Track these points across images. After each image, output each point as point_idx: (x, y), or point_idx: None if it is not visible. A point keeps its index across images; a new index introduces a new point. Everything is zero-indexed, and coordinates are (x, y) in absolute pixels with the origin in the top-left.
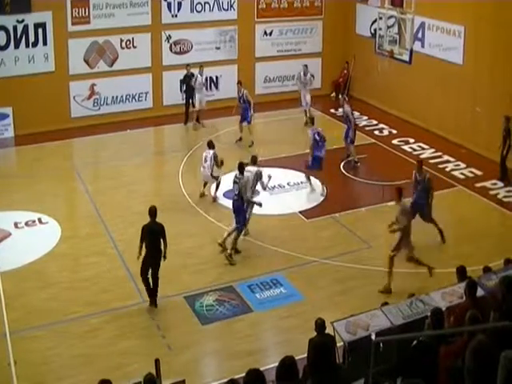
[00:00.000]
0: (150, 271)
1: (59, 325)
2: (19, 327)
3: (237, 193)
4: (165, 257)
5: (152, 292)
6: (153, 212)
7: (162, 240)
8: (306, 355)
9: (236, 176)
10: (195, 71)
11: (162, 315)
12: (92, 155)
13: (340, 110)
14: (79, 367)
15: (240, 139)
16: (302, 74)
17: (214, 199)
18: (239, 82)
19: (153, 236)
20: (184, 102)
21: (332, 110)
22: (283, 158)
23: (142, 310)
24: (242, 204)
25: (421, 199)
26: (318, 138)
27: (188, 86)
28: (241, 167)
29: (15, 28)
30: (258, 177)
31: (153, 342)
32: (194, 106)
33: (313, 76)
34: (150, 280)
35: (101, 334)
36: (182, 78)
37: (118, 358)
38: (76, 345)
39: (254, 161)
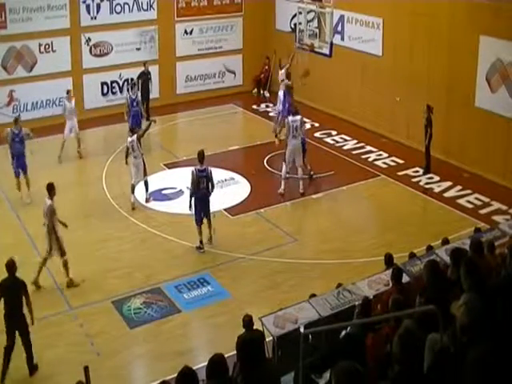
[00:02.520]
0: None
1: None
2: None
3: (205, 185)
4: (32, 321)
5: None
6: (10, 266)
7: (24, 299)
8: (235, 352)
9: (198, 169)
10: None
11: (90, 322)
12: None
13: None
14: (8, 380)
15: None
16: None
17: (147, 200)
18: None
19: (12, 295)
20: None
21: (254, 107)
22: (207, 156)
23: (69, 318)
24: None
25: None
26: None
27: (144, 83)
28: (201, 156)
29: None
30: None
31: (81, 350)
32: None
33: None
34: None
35: None
36: (137, 74)
37: (46, 368)
38: (1, 358)
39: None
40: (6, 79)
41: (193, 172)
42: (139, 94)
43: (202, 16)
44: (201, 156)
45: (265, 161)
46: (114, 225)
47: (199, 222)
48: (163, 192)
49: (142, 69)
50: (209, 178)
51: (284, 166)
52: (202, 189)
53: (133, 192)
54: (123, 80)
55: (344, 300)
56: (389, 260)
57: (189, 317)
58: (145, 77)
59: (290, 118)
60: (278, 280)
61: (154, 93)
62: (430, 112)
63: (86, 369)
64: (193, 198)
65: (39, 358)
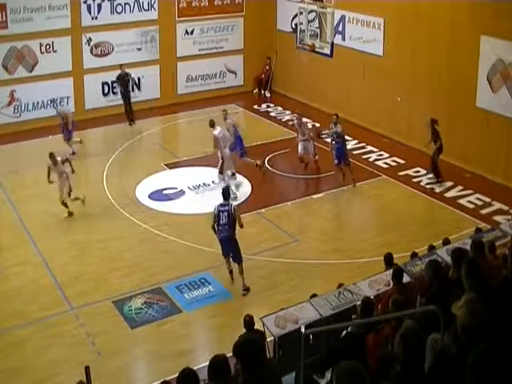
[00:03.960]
0: None
1: None
2: None
3: (226, 221)
4: None
5: None
6: None
7: None
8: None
9: (220, 204)
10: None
11: (91, 322)
12: (13, 163)
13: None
14: (7, 381)
15: None
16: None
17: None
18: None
19: None
20: (122, 102)
21: (255, 107)
22: (207, 157)
23: (70, 318)
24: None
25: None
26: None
27: (123, 85)
28: (226, 193)
29: None
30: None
31: (82, 350)
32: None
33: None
34: None
35: (28, 345)
36: (115, 78)
37: (47, 368)
38: (3, 358)
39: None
40: (7, 79)
41: (214, 207)
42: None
43: (203, 16)
44: (225, 193)
45: (265, 161)
46: (114, 225)
47: (226, 257)
48: (164, 192)
49: (119, 71)
50: (230, 214)
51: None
52: (223, 225)
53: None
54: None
55: (345, 300)
56: (389, 260)
57: (190, 317)
58: (122, 79)
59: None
60: (278, 280)
61: (155, 93)
62: (435, 124)
63: (87, 369)
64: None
65: (40, 358)
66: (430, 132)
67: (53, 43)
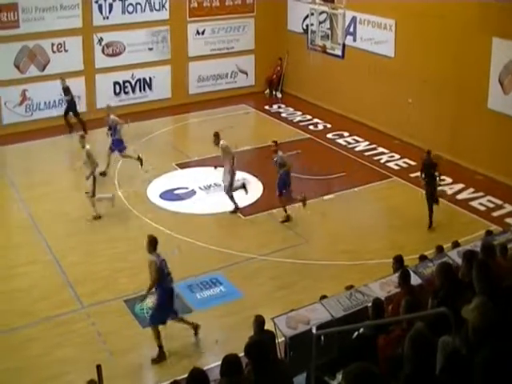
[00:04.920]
0: None
1: None
2: None
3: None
4: None
5: None
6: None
7: None
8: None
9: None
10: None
11: (102, 320)
12: (25, 162)
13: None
14: (16, 380)
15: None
16: None
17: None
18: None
19: None
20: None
21: (266, 107)
22: (218, 157)
23: (81, 317)
24: None
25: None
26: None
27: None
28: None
29: None
30: None
31: (93, 349)
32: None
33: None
34: None
35: (38, 343)
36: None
37: (57, 366)
38: (12, 357)
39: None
40: (19, 78)
41: (155, 261)
42: None
43: (214, 16)
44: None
45: None
46: (125, 224)
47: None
48: (175, 192)
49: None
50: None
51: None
52: (169, 274)
53: None
54: (135, 80)
55: (356, 301)
56: (399, 261)
57: (201, 316)
58: (67, 92)
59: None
60: (289, 281)
61: (167, 93)
62: (431, 157)
63: (99, 367)
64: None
65: (50, 356)
66: (425, 164)
67: (64, 43)
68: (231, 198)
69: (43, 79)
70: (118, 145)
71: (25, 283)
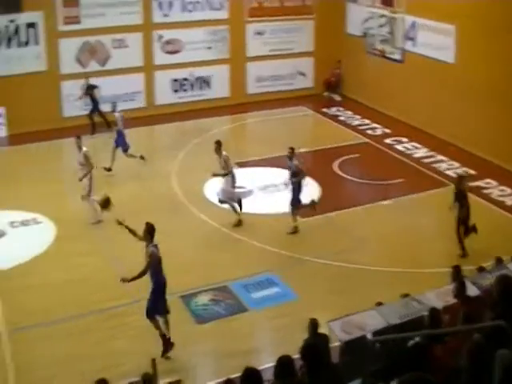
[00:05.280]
0: None
1: (50, 326)
2: (8, 327)
3: None
4: None
5: None
6: None
7: None
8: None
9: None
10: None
11: None
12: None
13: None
14: (70, 367)
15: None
16: None
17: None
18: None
19: None
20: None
21: (324, 110)
22: (276, 158)
23: (135, 310)
24: None
25: None
26: None
27: (92, 96)
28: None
29: (7, 28)
30: None
31: (148, 342)
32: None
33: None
34: None
35: (93, 334)
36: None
37: (111, 357)
38: (67, 345)
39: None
40: (80, 72)
41: (153, 251)
42: None
43: (274, 17)
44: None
45: (335, 165)
46: (182, 221)
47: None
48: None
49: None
50: None
51: None
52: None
53: None
54: (194, 78)
55: (412, 310)
56: (456, 272)
57: (255, 316)
58: (90, 90)
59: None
60: (344, 285)
61: (225, 92)
62: (463, 182)
63: (154, 361)
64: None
65: (105, 347)
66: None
67: (124, 38)
68: (223, 203)
69: (104, 74)
70: (121, 143)
71: (83, 274)
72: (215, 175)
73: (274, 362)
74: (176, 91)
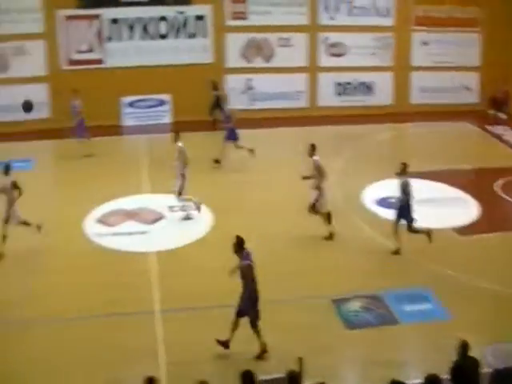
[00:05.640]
0: None
1: (202, 310)
2: (163, 307)
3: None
4: None
5: None
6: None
7: None
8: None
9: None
10: None
11: (307, 315)
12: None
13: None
14: (223, 351)
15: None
16: None
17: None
18: None
19: None
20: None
21: (488, 127)
22: (436, 171)
23: (285, 307)
24: None
25: None
26: None
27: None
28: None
29: (176, 19)
30: None
31: (294, 340)
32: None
33: None
34: None
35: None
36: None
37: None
38: (221, 330)
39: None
40: (245, 67)
41: (244, 265)
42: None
43: (441, 27)
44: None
45: (496, 185)
46: (339, 225)
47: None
48: (390, 200)
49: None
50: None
51: None
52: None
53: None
54: (357, 83)
55: None
56: None
57: (405, 329)
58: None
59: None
60: (503, 311)
61: (387, 99)
62: None
63: (301, 360)
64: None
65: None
66: None
67: (290, 38)
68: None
69: (268, 71)
70: (231, 135)
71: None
72: (305, 178)
73: (422, 379)
74: (339, 94)
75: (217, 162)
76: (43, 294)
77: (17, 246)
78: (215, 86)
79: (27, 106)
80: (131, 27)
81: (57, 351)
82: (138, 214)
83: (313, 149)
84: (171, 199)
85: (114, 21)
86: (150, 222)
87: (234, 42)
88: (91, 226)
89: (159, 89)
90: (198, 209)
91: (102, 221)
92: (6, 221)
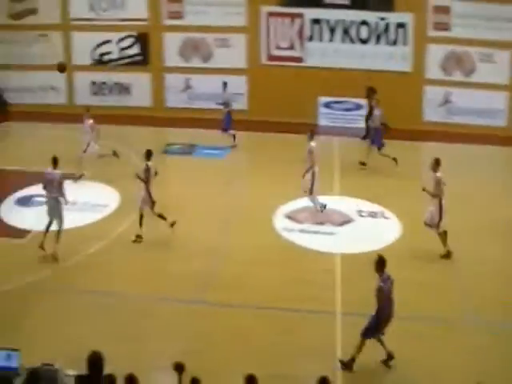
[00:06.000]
0: None
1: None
2: (350, 310)
3: None
4: None
5: None
6: None
7: None
8: None
9: None
10: None
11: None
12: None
13: None
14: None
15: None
16: None
17: None
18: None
19: None
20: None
21: None
22: None
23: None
24: None
25: None
26: None
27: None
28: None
29: (377, 24)
30: None
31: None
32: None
33: None
34: None
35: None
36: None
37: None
38: (396, 341)
39: None
40: (444, 80)
41: (381, 287)
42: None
43: None
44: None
45: None
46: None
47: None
48: None
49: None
50: None
51: None
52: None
53: None
54: None
55: None
56: None
57: None
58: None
59: None
60: None
61: None
62: None
63: None
64: None
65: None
66: None
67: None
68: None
69: (467, 86)
70: (377, 140)
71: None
72: (424, 190)
73: None
74: None
75: (363, 164)
76: (234, 283)
77: (207, 236)
78: (370, 94)
79: (61, 68)
80: (332, 29)
81: (233, 338)
82: (327, 214)
83: (437, 164)
84: (361, 203)
85: (316, 21)
86: (338, 223)
87: (435, 53)
88: (280, 221)
89: (356, 93)
90: (321, 211)
91: (291, 217)
92: (152, 206)
